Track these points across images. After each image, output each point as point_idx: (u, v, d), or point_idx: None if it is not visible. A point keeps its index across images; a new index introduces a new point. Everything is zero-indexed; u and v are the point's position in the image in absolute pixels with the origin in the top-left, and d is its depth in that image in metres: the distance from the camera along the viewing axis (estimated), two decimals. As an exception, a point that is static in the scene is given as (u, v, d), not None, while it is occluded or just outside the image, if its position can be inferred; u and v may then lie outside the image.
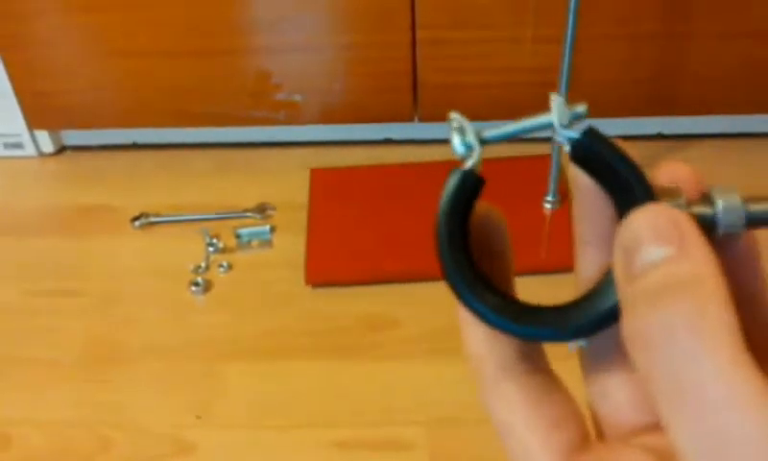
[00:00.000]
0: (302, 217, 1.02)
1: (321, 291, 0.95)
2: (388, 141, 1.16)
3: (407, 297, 0.93)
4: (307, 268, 0.95)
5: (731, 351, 0.18)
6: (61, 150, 1.19)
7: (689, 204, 0.22)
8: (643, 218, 0.21)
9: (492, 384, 0.24)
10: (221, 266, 0.98)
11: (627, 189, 0.22)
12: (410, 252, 0.96)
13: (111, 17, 1.02)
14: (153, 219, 1.05)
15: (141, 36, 1.04)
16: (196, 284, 0.95)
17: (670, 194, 0.22)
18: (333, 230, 1.01)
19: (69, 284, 0.98)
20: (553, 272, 0.90)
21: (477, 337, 0.25)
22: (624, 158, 0.23)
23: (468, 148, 0.24)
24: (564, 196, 1.01)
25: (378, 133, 1.16)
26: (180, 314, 0.93)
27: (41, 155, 1.18)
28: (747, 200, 0.22)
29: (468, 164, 0.24)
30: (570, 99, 0.23)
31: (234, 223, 1.03)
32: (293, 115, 1.10)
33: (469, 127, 0.24)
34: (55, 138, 1.18)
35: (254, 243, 1.02)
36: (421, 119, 1.09)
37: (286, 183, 1.09)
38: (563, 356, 0.27)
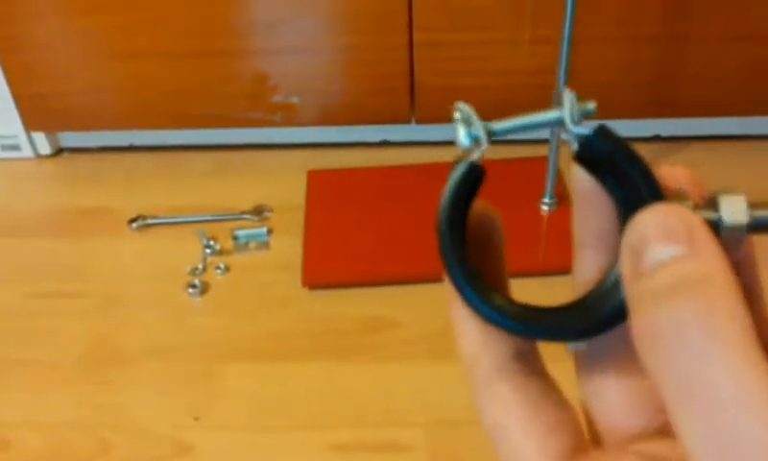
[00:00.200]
0: (300, 219, 1.03)
1: (318, 293, 0.95)
2: (385, 143, 1.17)
3: (405, 298, 0.93)
4: (304, 270, 0.96)
5: (743, 350, 0.18)
6: (59, 152, 1.19)
7: (695, 207, 0.22)
8: (652, 217, 0.20)
9: (486, 384, 0.24)
10: (218, 268, 0.98)
11: (635, 190, 0.22)
12: (407, 253, 0.96)
13: (109, 20, 1.02)
14: (150, 221, 1.05)
15: (139, 39, 1.04)
16: (193, 286, 0.95)
17: (678, 196, 0.22)
18: (330, 232, 1.01)
19: (68, 286, 0.97)
20: (550, 274, 0.90)
21: (471, 335, 0.24)
22: (635, 159, 0.22)
23: (474, 140, 0.24)
24: (560, 198, 1.01)
25: (375, 135, 1.16)
26: (178, 316, 0.93)
27: (38, 156, 1.18)
28: (752, 205, 0.22)
29: (475, 156, 0.24)
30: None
31: (231, 225, 1.03)
32: (290, 117, 1.11)
33: (477, 118, 0.24)
34: (52, 140, 1.18)
35: (251, 245, 1.02)
36: (419, 121, 1.10)
37: (283, 185, 1.09)
38: (555, 358, 0.26)
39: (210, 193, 1.09)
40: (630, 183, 0.22)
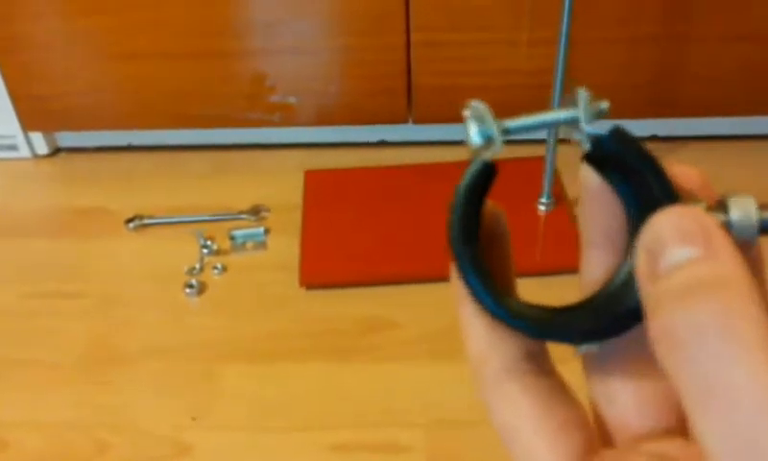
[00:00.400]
0: (297, 219, 1.03)
1: (315, 293, 0.95)
2: (382, 143, 1.17)
3: (403, 298, 0.93)
4: (302, 270, 0.95)
5: (762, 351, 0.18)
6: (56, 152, 1.19)
7: (708, 208, 0.22)
8: (668, 219, 0.20)
9: (495, 384, 0.24)
10: (215, 268, 0.98)
11: (648, 191, 0.22)
12: (405, 253, 0.96)
13: (107, 20, 1.02)
14: (147, 221, 1.05)
15: (137, 39, 1.04)
16: (191, 286, 0.95)
17: (691, 198, 0.22)
18: (327, 232, 1.01)
19: (67, 286, 0.97)
20: (547, 274, 0.90)
21: (479, 334, 0.24)
22: (650, 160, 0.22)
23: (487, 138, 0.23)
24: (558, 198, 1.01)
25: (373, 135, 1.16)
26: (176, 316, 0.93)
27: (36, 156, 1.18)
28: (762, 207, 0.22)
29: (488, 155, 0.23)
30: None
31: (229, 225, 1.03)
32: (288, 117, 1.11)
33: (491, 116, 0.23)
34: (49, 140, 1.18)
35: (249, 245, 1.02)
36: (416, 121, 1.10)
37: (281, 185, 1.09)
38: (562, 359, 0.26)
39: (208, 193, 1.09)
40: (643, 184, 0.22)
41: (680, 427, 0.24)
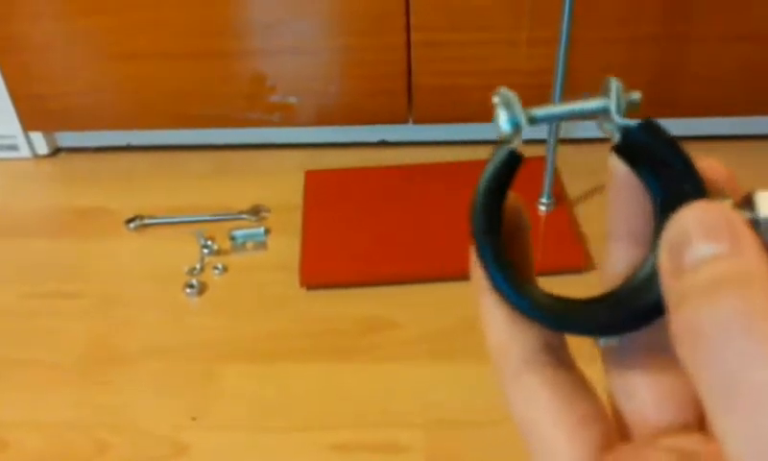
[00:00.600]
0: (297, 219, 1.03)
1: (316, 293, 0.95)
2: (383, 143, 1.17)
3: (403, 299, 0.93)
4: (302, 270, 0.95)
5: None
6: (56, 152, 1.19)
7: (735, 204, 0.22)
8: (693, 214, 0.20)
9: (514, 376, 0.24)
10: (215, 268, 0.98)
11: (677, 185, 0.22)
12: (405, 253, 0.96)
13: (107, 21, 1.02)
14: (147, 221, 1.05)
15: (137, 39, 1.04)
16: (191, 286, 0.95)
17: (719, 194, 0.22)
18: (328, 232, 1.01)
19: (67, 286, 0.97)
20: (547, 274, 0.90)
21: (499, 325, 0.24)
22: (680, 154, 0.22)
23: (515, 126, 0.23)
24: (558, 198, 1.01)
25: (373, 135, 1.16)
26: (176, 316, 0.93)
27: (36, 156, 1.18)
28: None
29: (514, 143, 0.23)
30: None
31: (229, 225, 1.03)
32: (288, 117, 1.11)
33: (518, 104, 0.23)
34: (49, 140, 1.18)
35: (249, 245, 1.02)
36: (416, 121, 1.10)
37: (281, 185, 1.09)
38: (579, 354, 0.26)
39: (208, 193, 1.09)
40: (671, 178, 0.22)
41: (698, 423, 0.24)
